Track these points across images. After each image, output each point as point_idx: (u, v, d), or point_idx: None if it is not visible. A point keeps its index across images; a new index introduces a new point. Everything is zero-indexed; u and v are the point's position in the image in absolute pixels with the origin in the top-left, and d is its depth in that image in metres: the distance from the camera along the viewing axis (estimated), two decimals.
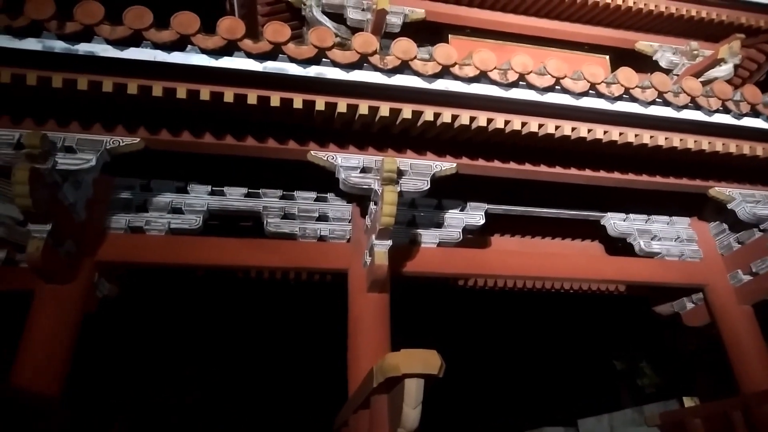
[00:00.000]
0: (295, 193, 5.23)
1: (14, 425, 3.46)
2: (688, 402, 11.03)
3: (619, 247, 6.19)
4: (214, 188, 5.16)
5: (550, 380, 21.44)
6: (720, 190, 5.26)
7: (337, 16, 6.56)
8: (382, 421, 2.93)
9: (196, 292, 8.99)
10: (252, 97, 3.77)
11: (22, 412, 3.55)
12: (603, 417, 13.54)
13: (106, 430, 5.03)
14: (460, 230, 5.22)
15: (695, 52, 7.25)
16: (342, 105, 3.92)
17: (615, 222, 5.85)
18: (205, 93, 3.74)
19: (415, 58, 3.91)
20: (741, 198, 5.25)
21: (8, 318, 5.00)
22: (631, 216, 5.95)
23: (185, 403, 9.50)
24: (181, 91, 3.72)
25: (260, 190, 5.19)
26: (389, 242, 4.33)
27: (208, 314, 10.56)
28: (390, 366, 2.55)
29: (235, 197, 5.16)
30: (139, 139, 4.22)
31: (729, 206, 5.30)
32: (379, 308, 4.61)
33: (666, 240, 5.90)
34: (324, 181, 4.88)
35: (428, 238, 5.14)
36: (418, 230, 5.15)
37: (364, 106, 3.96)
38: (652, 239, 5.85)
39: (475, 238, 5.91)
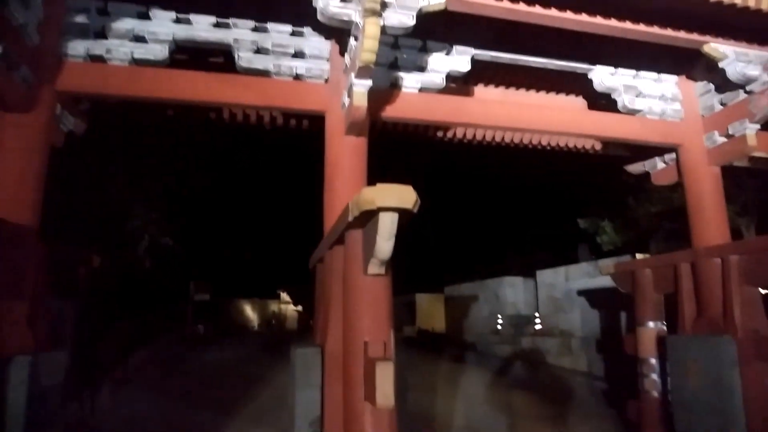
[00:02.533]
0: (268, 25, 4.82)
1: None
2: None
3: (602, 104, 6.10)
4: (179, 15, 4.71)
5: (515, 236, 22.72)
6: (714, 46, 5.05)
7: None
8: (356, 253, 3.03)
9: (167, 133, 8.76)
10: None
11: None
12: (560, 269, 14.67)
13: (83, 267, 5.14)
14: (444, 76, 4.99)
15: None
16: None
17: (602, 75, 5.67)
18: None
19: None
20: (734, 56, 5.08)
21: None
22: (620, 70, 5.76)
23: (161, 244, 9.77)
24: None
25: (230, 20, 4.76)
26: (369, 82, 4.12)
27: (180, 157, 10.41)
28: (365, 200, 2.56)
29: (203, 27, 4.74)
30: None
31: (720, 64, 5.14)
32: (357, 152, 4.56)
33: (650, 97, 5.80)
34: (300, 13, 4.48)
35: (410, 82, 4.92)
36: (400, 73, 4.90)
37: None
38: (636, 96, 5.75)
39: (457, 87, 5.71)
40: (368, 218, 2.74)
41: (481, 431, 7.68)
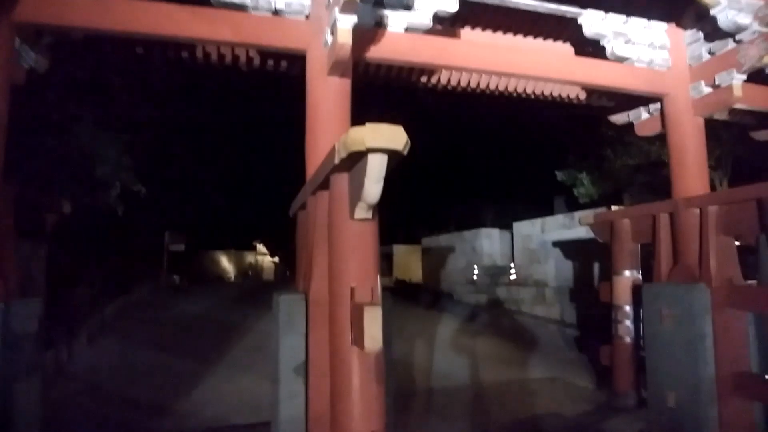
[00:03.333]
0: None
1: None
2: None
3: (589, 51, 5.96)
4: None
5: (492, 187, 22.84)
6: None
7: None
8: (342, 198, 2.93)
9: (138, 73, 8.31)
10: None
11: None
12: (536, 221, 14.87)
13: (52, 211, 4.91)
14: (431, 16, 4.75)
15: None
16: None
17: (592, 20, 5.50)
18: None
19: None
20: (726, 3, 4.97)
21: None
22: (610, 16, 5.59)
23: (133, 191, 9.46)
24: None
25: None
26: (354, 17, 3.89)
27: (153, 99, 9.95)
28: (354, 140, 2.43)
29: None
30: None
31: (712, 12, 5.03)
32: (340, 94, 4.36)
33: (639, 45, 5.68)
34: None
35: (395, 21, 4.68)
36: (385, 11, 4.65)
37: None
38: (625, 43, 5.62)
39: (444, 29, 5.47)
40: (356, 160, 2.62)
41: (456, 375, 7.92)
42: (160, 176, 14.12)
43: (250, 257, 40.71)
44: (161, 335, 10.39)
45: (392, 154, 2.47)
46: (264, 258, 41.43)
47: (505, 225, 17.41)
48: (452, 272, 18.65)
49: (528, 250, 15.01)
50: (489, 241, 17.29)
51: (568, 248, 13.26)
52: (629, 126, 6.67)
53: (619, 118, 6.72)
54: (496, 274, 16.17)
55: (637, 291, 5.99)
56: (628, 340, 6.07)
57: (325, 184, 3.19)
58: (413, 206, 24.84)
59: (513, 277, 15.15)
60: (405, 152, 2.51)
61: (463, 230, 18.65)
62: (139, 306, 13.69)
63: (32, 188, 4.90)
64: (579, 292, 12.29)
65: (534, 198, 18.69)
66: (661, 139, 10.37)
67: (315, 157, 4.25)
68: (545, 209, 16.56)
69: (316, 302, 3.45)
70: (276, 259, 40.05)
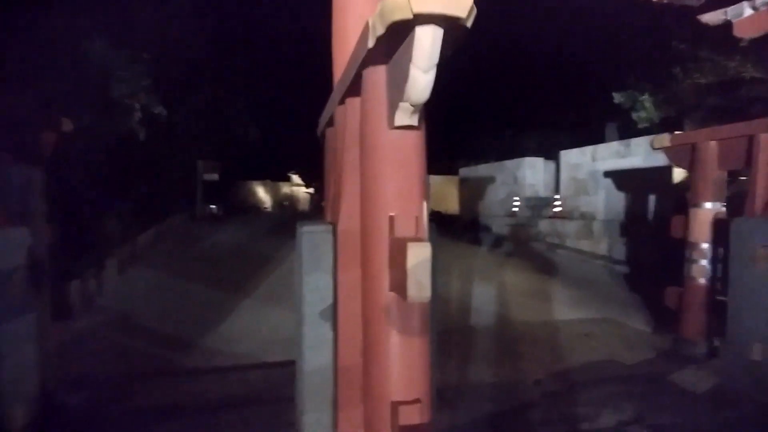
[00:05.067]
0: None
1: None
2: None
3: None
4: None
5: (536, 114, 21.36)
6: None
7: None
8: (378, 99, 2.20)
9: None
10: None
11: None
12: (587, 148, 13.70)
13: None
14: None
15: None
16: None
17: None
18: None
19: None
20: None
21: None
22: None
23: (155, 115, 8.90)
24: None
25: None
26: None
27: (174, 17, 9.16)
28: (395, 5, 1.67)
29: None
30: None
31: None
32: None
33: None
34: None
35: None
36: None
37: None
38: None
39: None
40: (398, 39, 1.87)
41: (497, 313, 7.37)
42: (190, 103, 13.54)
43: (285, 188, 40.79)
44: (194, 266, 10.19)
45: (450, 26, 1.72)
46: (299, 189, 41.42)
47: (549, 155, 16.28)
48: (492, 204, 17.86)
49: (575, 180, 13.99)
50: (532, 171, 16.29)
51: (622, 179, 12.21)
52: (726, 26, 5.52)
53: (712, 18, 5.56)
54: (538, 205, 15.31)
55: (719, 227, 5.15)
56: (702, 281, 5.30)
57: (356, 87, 2.46)
58: (450, 134, 23.65)
59: (558, 209, 14.26)
60: (469, 24, 1.74)
61: (504, 160, 17.62)
62: (172, 236, 13.58)
63: (22, 104, 4.33)
64: (631, 227, 11.40)
65: (582, 125, 17.34)
66: (744, 52, 9.03)
67: (342, 55, 3.48)
68: (594, 138, 15.27)
69: (346, 234, 2.82)
70: (311, 189, 39.95)
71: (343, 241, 2.86)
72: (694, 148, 5.40)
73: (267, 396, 4.33)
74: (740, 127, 4.91)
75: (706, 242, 5.27)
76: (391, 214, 2.15)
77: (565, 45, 16.16)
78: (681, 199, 10.36)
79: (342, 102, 2.87)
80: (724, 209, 5.25)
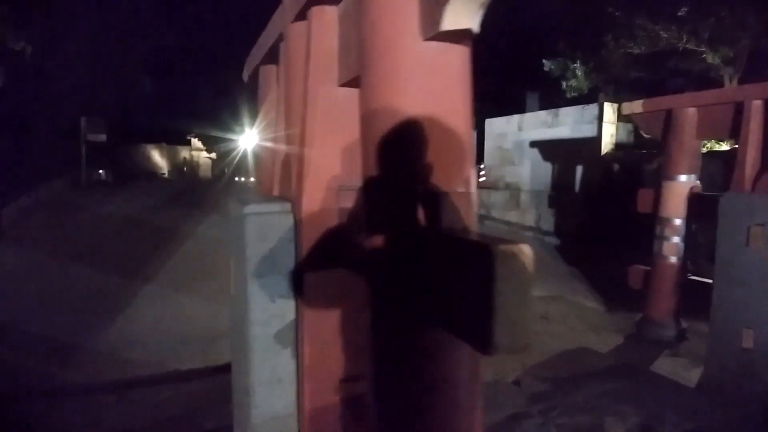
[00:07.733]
0: None
1: None
2: (609, 108, 10.84)
3: None
4: None
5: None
6: None
7: None
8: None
9: None
10: None
11: None
12: (513, 117, 13.37)
13: None
14: None
15: None
16: None
17: None
18: None
19: None
20: None
21: None
22: None
23: (14, 50, 7.00)
24: None
25: None
26: None
27: None
28: None
29: None
30: None
31: None
32: None
33: None
34: None
35: None
36: None
37: None
38: None
39: None
40: None
41: None
42: (67, 43, 11.24)
43: (184, 152, 37.63)
44: (78, 244, 8.47)
45: None
46: (200, 153, 38.41)
47: (475, 123, 15.86)
48: None
49: (500, 150, 13.68)
50: None
51: (548, 149, 12.03)
52: None
53: None
54: None
55: (695, 201, 4.75)
56: (674, 260, 4.92)
57: None
58: None
59: (482, 179, 13.94)
60: None
61: None
62: (49, 207, 11.44)
63: None
64: (558, 198, 11.29)
65: (505, 93, 17.09)
66: (682, 21, 8.92)
67: None
68: (517, 107, 15.03)
69: (315, 218, 1.84)
70: (213, 154, 37.15)
71: (311, 227, 1.86)
72: (669, 114, 4.93)
73: (185, 427, 3.24)
74: (728, 93, 4.48)
75: (679, 218, 4.86)
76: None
77: (491, 6, 15.60)
78: (608, 171, 10.35)
79: (303, 16, 1.82)
80: (699, 183, 4.86)
